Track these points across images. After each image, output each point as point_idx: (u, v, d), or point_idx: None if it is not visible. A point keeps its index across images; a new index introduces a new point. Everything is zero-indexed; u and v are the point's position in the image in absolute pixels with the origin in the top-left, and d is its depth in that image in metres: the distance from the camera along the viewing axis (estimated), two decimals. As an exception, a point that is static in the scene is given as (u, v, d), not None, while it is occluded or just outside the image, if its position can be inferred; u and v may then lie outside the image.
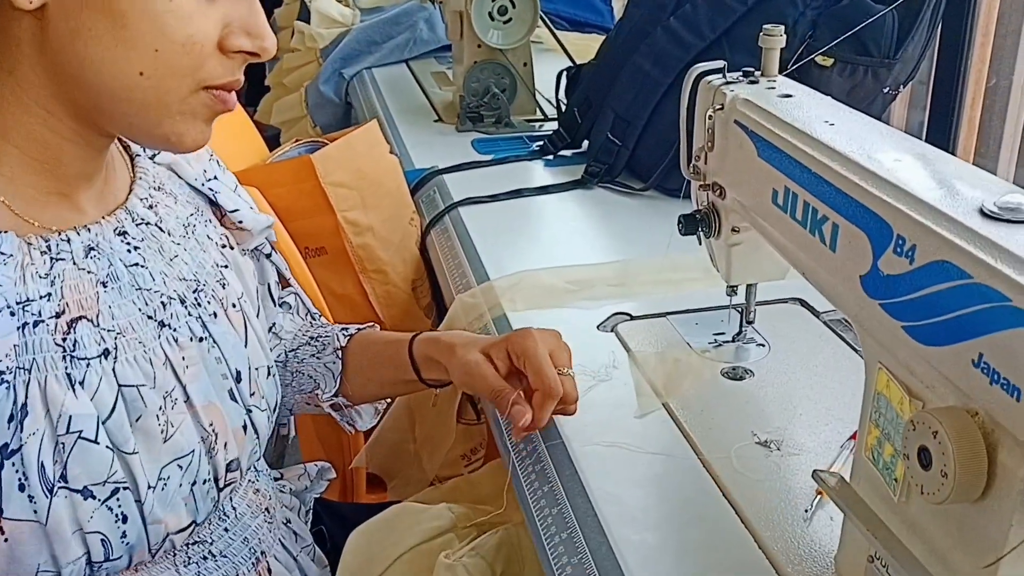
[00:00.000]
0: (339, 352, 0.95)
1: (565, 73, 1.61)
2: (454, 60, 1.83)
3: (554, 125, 1.59)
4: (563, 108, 1.59)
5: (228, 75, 0.65)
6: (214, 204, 0.84)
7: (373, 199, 1.34)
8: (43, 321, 0.63)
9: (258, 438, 0.80)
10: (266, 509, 0.84)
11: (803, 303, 1.03)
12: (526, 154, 1.54)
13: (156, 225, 0.75)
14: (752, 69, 0.83)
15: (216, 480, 0.75)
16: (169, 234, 0.76)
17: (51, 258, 0.65)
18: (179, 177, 0.81)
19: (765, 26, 0.82)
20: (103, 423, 0.65)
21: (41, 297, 0.64)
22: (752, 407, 0.87)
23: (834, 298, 0.67)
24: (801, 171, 0.68)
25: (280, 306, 0.97)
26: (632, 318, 1.02)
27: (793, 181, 0.70)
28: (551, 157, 1.52)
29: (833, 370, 0.91)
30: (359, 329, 0.98)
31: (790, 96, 0.78)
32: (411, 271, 1.38)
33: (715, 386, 0.90)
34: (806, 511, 0.72)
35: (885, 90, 1.27)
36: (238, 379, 0.77)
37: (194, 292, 0.76)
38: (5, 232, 0.62)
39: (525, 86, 1.71)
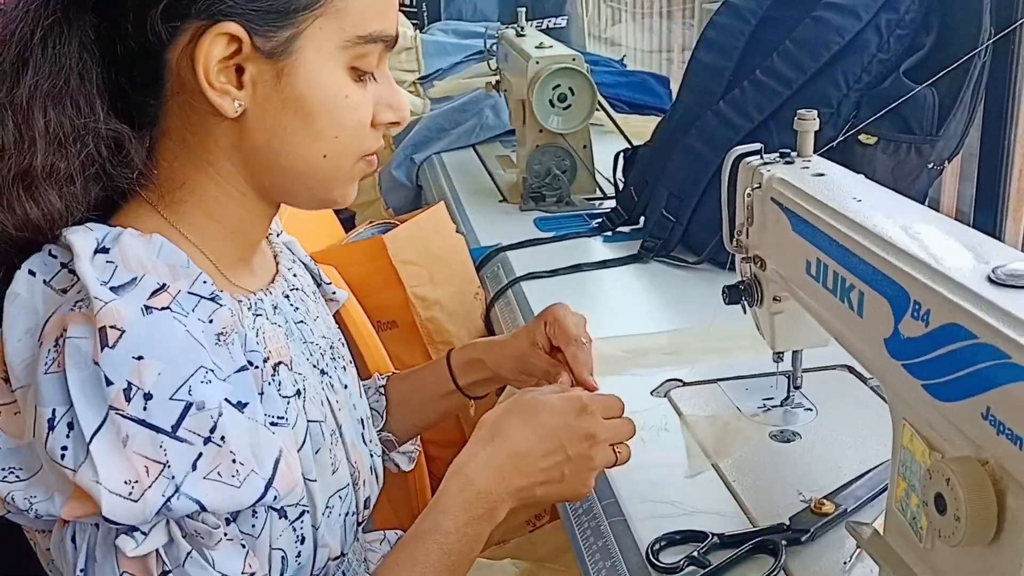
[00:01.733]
0: (381, 390, 1.04)
1: (622, 154, 1.69)
2: (518, 144, 1.93)
3: (613, 203, 1.67)
4: (620, 187, 1.67)
5: (377, 143, 0.77)
6: (314, 277, 0.94)
7: (441, 275, 1.43)
8: (259, 366, 0.71)
9: (377, 482, 0.89)
10: (364, 558, 0.91)
11: (850, 369, 1.08)
12: (586, 231, 1.61)
13: (301, 290, 0.86)
14: (788, 151, 0.90)
15: (357, 515, 0.83)
16: (309, 298, 0.87)
17: (253, 314, 0.75)
18: (292, 253, 0.92)
19: (799, 110, 0.89)
20: (299, 451, 0.73)
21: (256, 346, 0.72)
22: (799, 468, 0.91)
23: (863, 360, 0.72)
24: (830, 244, 0.74)
25: None
26: (684, 384, 1.08)
27: (824, 253, 0.76)
28: (609, 233, 1.59)
29: (878, 432, 0.95)
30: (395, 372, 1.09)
31: (823, 175, 0.84)
32: (477, 343, 1.45)
33: (763, 448, 0.95)
34: (845, 563, 0.76)
35: (929, 166, 1.32)
36: (363, 425, 0.87)
37: (331, 347, 0.86)
38: (221, 292, 0.70)
39: (585, 167, 1.80)
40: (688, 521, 0.83)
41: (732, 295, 0.93)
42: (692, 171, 1.44)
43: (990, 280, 0.59)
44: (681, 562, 0.78)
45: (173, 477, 0.60)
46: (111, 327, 0.60)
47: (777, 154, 0.90)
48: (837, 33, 1.33)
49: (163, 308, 0.63)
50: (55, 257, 0.66)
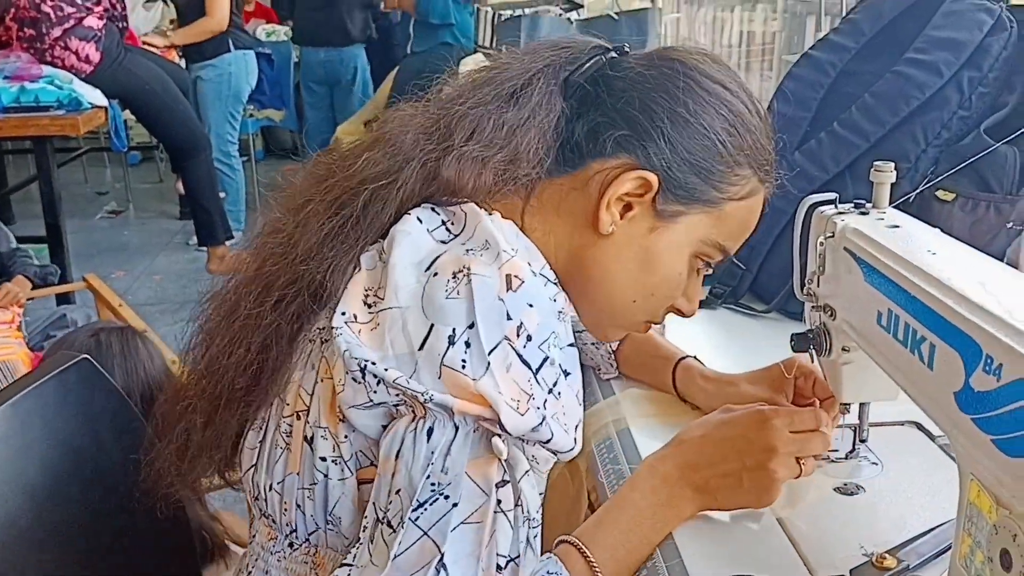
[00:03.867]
0: (612, 353, 1.20)
1: (694, 201, 1.69)
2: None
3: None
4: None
5: (661, 319, 0.92)
6: None
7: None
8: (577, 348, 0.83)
9: None
10: None
11: (919, 426, 1.06)
12: (654, 275, 1.61)
13: None
14: (863, 201, 0.90)
15: None
16: None
17: None
18: None
19: (876, 162, 0.89)
20: None
21: None
22: (862, 522, 0.90)
23: (932, 413, 0.71)
24: (902, 295, 0.74)
25: None
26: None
27: (895, 304, 0.75)
28: (678, 279, 1.59)
29: (944, 490, 0.93)
30: None
31: (897, 227, 0.84)
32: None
33: (827, 500, 0.94)
34: (906, 620, 0.74)
35: (1008, 226, 1.30)
36: None
37: None
38: None
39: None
40: (745, 567, 0.83)
41: (800, 343, 0.93)
42: (764, 220, 1.43)
43: (1065, 337, 0.58)
44: (737, 609, 0.78)
45: (539, 408, 0.72)
46: (515, 276, 0.73)
47: (852, 204, 0.90)
48: (918, 88, 1.33)
49: (540, 275, 0.77)
50: (438, 215, 0.80)
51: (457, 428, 0.72)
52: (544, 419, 0.72)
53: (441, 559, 0.69)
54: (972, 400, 0.63)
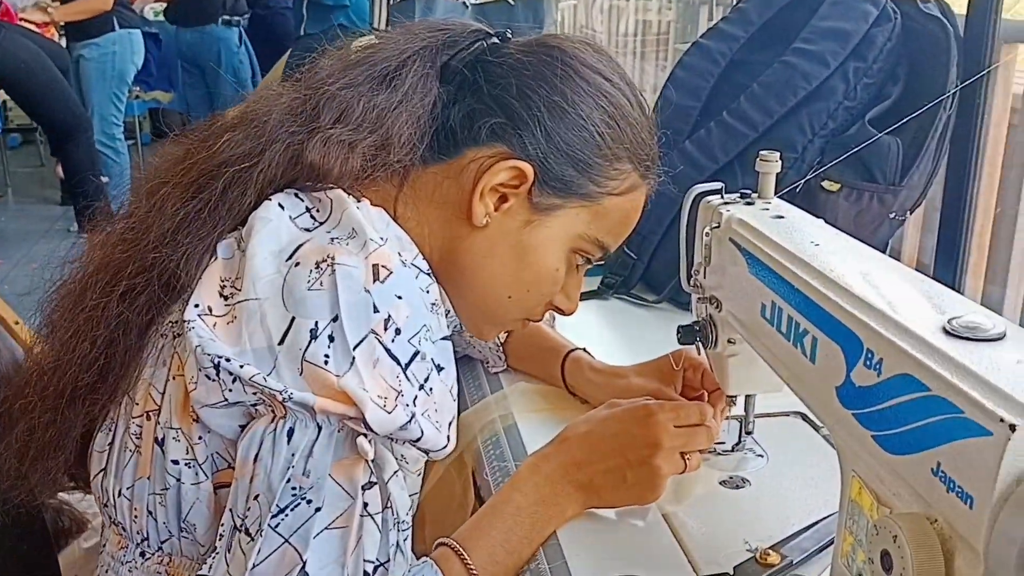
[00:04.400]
0: (501, 345, 1.17)
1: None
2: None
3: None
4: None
5: (540, 316, 0.88)
6: None
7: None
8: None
9: None
10: None
11: (804, 417, 1.06)
12: (546, 265, 1.59)
13: None
14: (749, 192, 0.89)
15: None
16: None
17: None
18: None
19: (762, 151, 0.88)
20: None
21: None
22: (747, 516, 0.89)
23: (814, 408, 0.70)
24: (785, 287, 0.73)
25: None
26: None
27: (779, 296, 0.74)
28: (570, 269, 1.57)
29: (829, 482, 0.93)
30: None
31: (782, 217, 0.83)
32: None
33: (712, 494, 0.92)
34: (788, 618, 0.73)
35: (891, 216, 1.31)
36: None
37: None
38: None
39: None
40: (629, 567, 0.80)
41: (686, 335, 0.91)
42: (655, 209, 1.41)
43: (945, 332, 0.57)
44: (620, 610, 0.75)
45: (408, 405, 0.68)
46: (383, 266, 0.69)
47: (738, 195, 0.89)
48: (804, 79, 1.33)
49: (411, 265, 0.73)
50: (302, 201, 0.75)
51: (320, 428, 0.68)
52: (413, 416, 0.68)
53: (303, 567, 0.65)
54: (853, 395, 0.62)
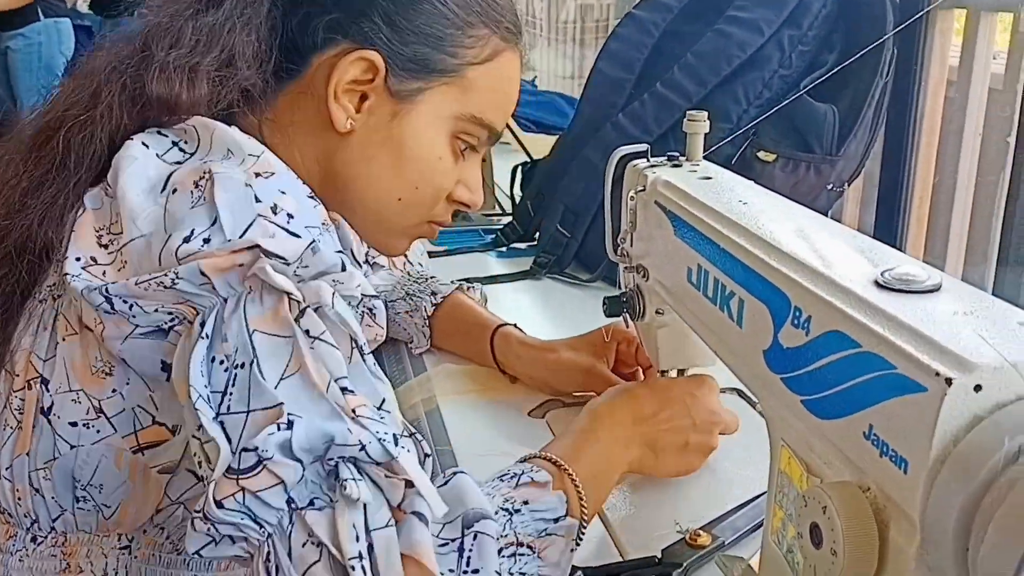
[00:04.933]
0: (426, 319, 1.12)
1: (520, 168, 1.62)
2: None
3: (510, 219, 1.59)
4: (517, 201, 1.60)
5: (445, 215, 0.83)
6: None
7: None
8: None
9: None
10: None
11: (740, 393, 1.01)
12: (478, 246, 1.53)
13: None
14: (677, 154, 0.84)
15: None
16: None
17: None
18: None
19: (689, 111, 0.83)
20: None
21: None
22: (679, 497, 0.84)
23: (743, 375, 0.65)
24: (711, 248, 0.68)
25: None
26: (565, 405, 1.00)
27: (705, 258, 0.69)
28: (504, 249, 1.52)
29: (766, 460, 0.88)
30: (445, 297, 1.13)
31: (710, 178, 0.78)
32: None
33: (644, 477, 0.87)
34: (719, 602, 0.68)
35: (829, 186, 1.28)
36: None
37: None
38: None
39: (484, 182, 1.72)
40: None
41: (612, 307, 0.86)
42: (589, 185, 1.37)
43: (877, 284, 0.52)
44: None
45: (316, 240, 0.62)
46: (265, 171, 0.65)
47: (665, 157, 0.84)
48: (738, 47, 1.29)
49: (297, 181, 0.67)
50: (166, 136, 0.69)
51: (225, 301, 0.60)
52: (318, 241, 0.61)
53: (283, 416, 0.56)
54: (781, 358, 0.57)
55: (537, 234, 1.49)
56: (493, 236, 1.56)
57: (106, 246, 0.64)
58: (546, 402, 1.01)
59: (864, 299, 0.51)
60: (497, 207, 1.73)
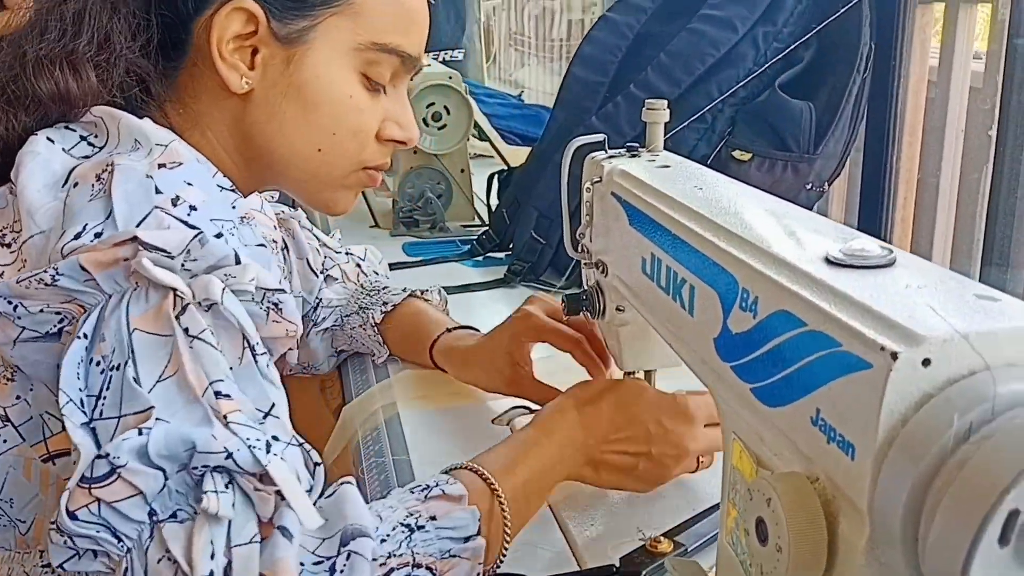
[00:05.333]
0: (375, 328, 1.07)
1: (496, 176, 1.59)
2: (393, 167, 1.81)
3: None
4: (493, 210, 1.56)
5: (381, 158, 0.78)
6: None
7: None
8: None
9: None
10: None
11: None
12: (454, 256, 1.50)
13: None
14: (636, 145, 0.80)
15: None
16: None
17: None
18: None
19: (648, 100, 0.80)
20: None
21: None
22: (643, 503, 0.80)
23: (696, 368, 0.61)
24: (663, 235, 0.64)
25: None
26: (530, 412, 0.96)
27: (658, 247, 0.65)
28: (480, 258, 1.48)
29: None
30: (396, 306, 1.07)
31: (668, 167, 0.75)
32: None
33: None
34: (676, 610, 0.64)
35: (808, 186, 1.24)
36: None
37: None
38: None
39: (462, 192, 1.69)
40: (508, 563, 0.71)
41: (571, 304, 0.82)
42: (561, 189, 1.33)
43: (828, 261, 0.49)
44: (493, 611, 0.66)
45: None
46: (171, 162, 0.62)
47: (624, 148, 0.80)
48: (712, 45, 1.26)
49: (212, 178, 0.65)
50: (73, 131, 0.67)
51: (108, 298, 0.57)
52: (220, 235, 0.58)
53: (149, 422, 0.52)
54: (730, 345, 0.53)
55: (512, 242, 1.46)
56: (469, 246, 1.52)
57: (8, 245, 0.61)
58: (511, 409, 0.96)
59: (812, 275, 0.47)
60: (476, 218, 1.70)
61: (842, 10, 1.13)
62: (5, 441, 0.62)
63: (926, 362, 0.39)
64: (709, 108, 1.21)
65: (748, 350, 0.51)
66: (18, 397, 0.61)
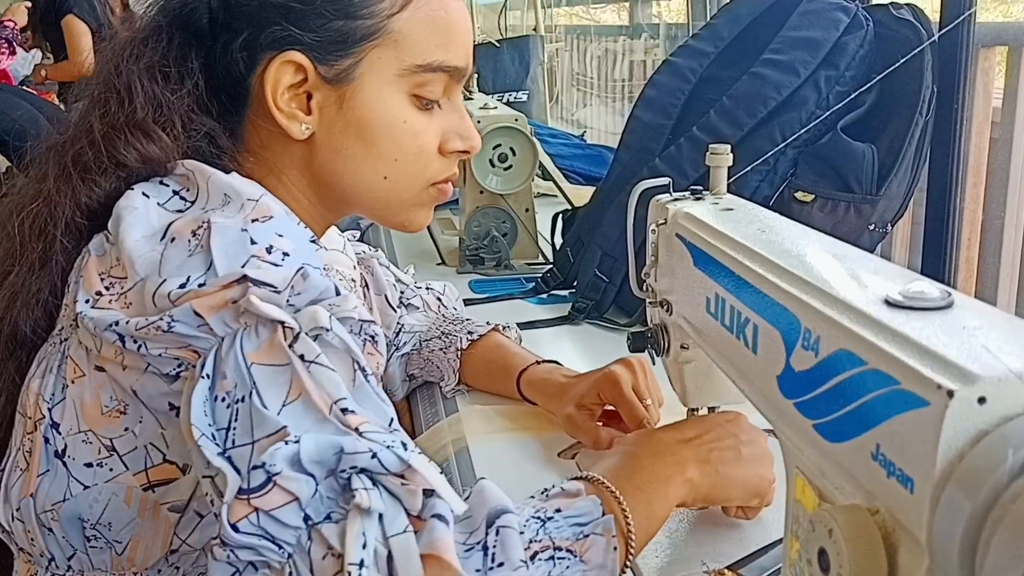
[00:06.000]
0: (459, 353, 1.10)
1: (561, 216, 1.63)
2: (460, 206, 1.86)
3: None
4: (558, 248, 1.60)
5: (447, 171, 0.81)
6: None
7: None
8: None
9: None
10: None
11: (773, 434, 0.98)
12: (518, 292, 1.53)
13: None
14: (700, 188, 0.83)
15: None
16: None
17: None
18: None
19: (712, 144, 0.82)
20: None
21: None
22: (709, 536, 0.82)
23: (759, 404, 0.63)
24: (728, 276, 0.67)
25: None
26: (595, 446, 0.98)
27: (722, 287, 0.68)
28: (544, 296, 1.51)
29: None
30: (481, 336, 1.11)
31: (731, 210, 0.77)
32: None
33: (672, 515, 0.85)
34: (741, 641, 0.66)
35: (871, 227, 1.26)
36: None
37: None
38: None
39: (527, 230, 1.73)
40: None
41: (636, 342, 0.85)
42: (626, 230, 1.36)
43: (887, 303, 0.51)
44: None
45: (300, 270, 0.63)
46: (263, 216, 0.66)
47: (688, 191, 0.83)
48: (775, 89, 1.28)
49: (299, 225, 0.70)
50: (167, 186, 0.71)
51: (222, 340, 0.61)
52: (306, 266, 0.63)
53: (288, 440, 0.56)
54: (793, 382, 0.56)
55: (576, 280, 1.49)
56: (534, 284, 1.56)
57: (108, 287, 0.66)
58: (577, 443, 0.99)
59: (871, 317, 0.49)
60: (540, 256, 1.73)
61: (902, 59, 1.15)
62: (111, 470, 0.66)
63: (981, 400, 0.41)
64: (772, 153, 1.23)
65: (810, 387, 0.53)
66: (126, 429, 0.66)
